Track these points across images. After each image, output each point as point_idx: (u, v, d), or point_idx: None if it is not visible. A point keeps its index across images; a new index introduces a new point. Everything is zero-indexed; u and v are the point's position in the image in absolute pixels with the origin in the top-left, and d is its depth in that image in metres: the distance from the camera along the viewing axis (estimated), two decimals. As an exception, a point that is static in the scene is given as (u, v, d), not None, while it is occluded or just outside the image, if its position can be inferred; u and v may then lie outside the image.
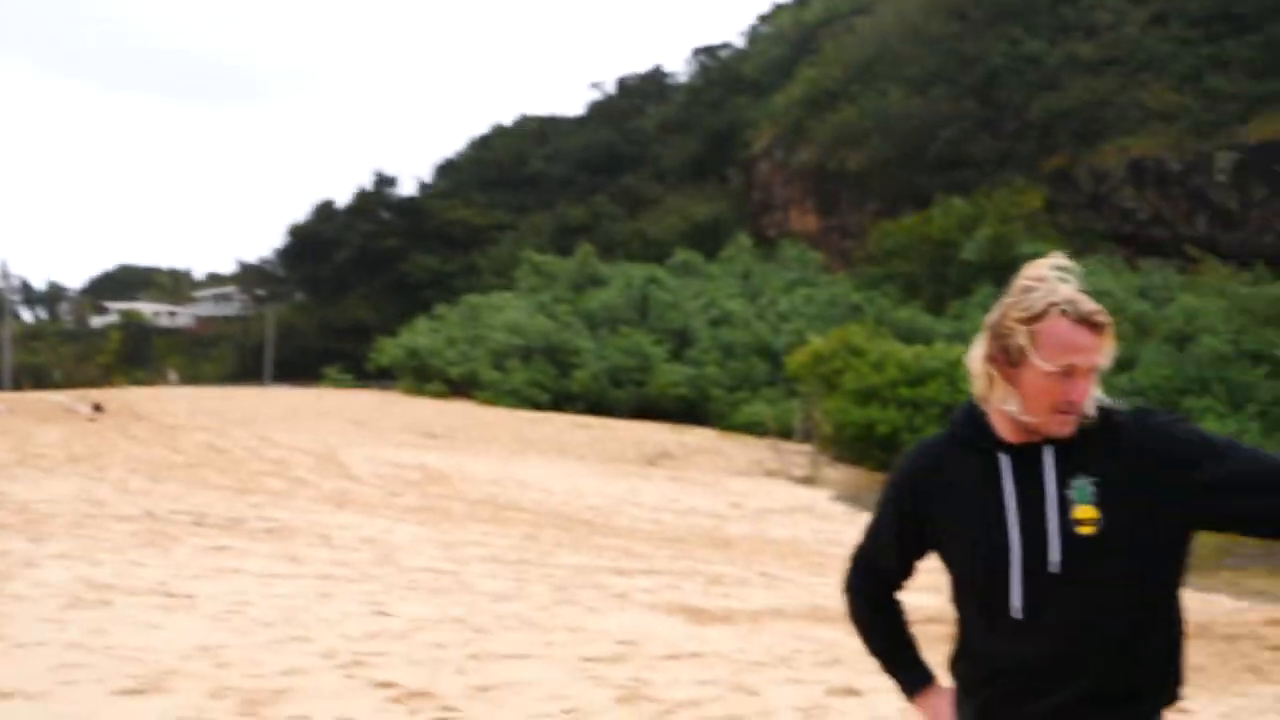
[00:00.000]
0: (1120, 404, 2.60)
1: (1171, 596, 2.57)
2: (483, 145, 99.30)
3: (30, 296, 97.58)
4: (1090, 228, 57.29)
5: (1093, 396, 2.51)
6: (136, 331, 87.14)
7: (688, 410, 46.47)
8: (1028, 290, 2.49)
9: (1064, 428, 2.50)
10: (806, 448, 35.32)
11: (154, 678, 6.76)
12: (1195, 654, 10.56)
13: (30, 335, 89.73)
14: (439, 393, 49.43)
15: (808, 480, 29.16)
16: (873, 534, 2.89)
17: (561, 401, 47.63)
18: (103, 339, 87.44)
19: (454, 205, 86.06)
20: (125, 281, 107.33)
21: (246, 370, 75.98)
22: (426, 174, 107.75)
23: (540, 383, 48.08)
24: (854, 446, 33.77)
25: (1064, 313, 2.45)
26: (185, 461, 21.61)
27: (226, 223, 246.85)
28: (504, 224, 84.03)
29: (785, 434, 38.62)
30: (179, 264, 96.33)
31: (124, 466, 19.82)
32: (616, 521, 18.39)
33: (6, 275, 76.33)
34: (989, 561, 2.57)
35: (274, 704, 6.17)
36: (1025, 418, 2.51)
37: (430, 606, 9.42)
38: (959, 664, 2.71)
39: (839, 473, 31.75)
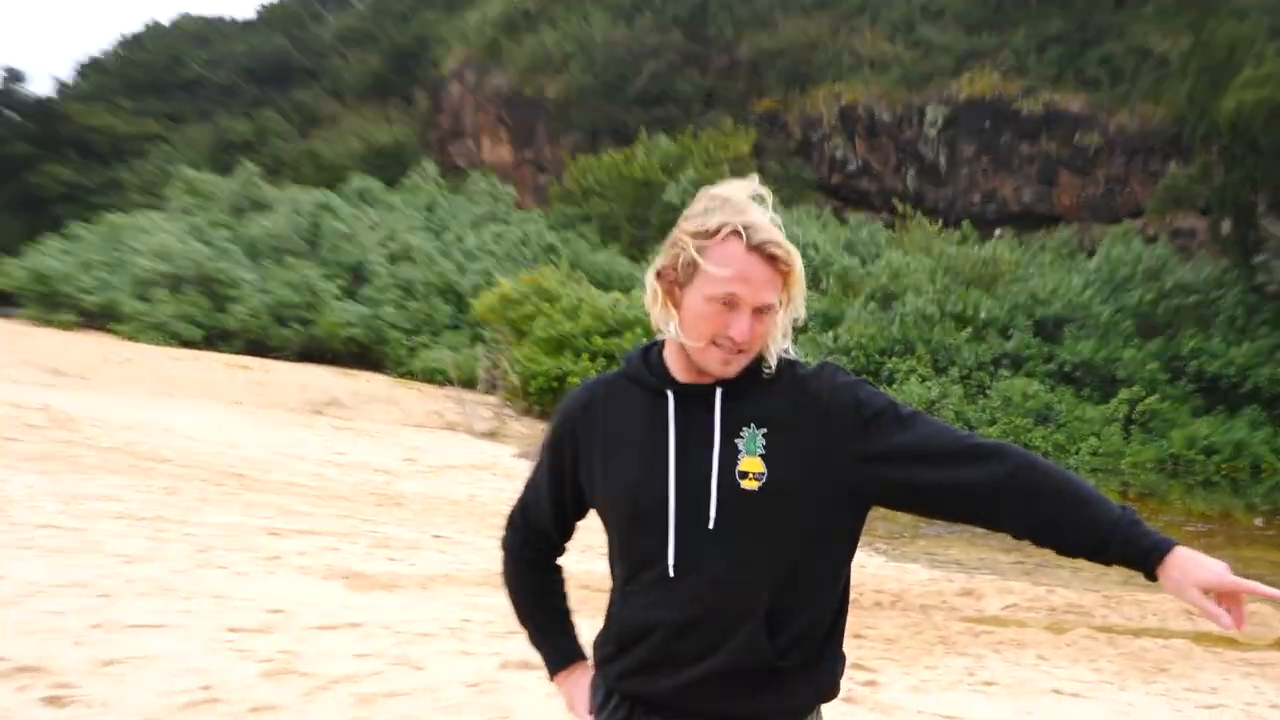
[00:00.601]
0: (806, 359, 2.62)
1: (835, 572, 2.58)
2: (134, 45, 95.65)
3: None
4: (799, 176, 59.73)
5: (775, 344, 2.52)
6: None
7: (361, 354, 46.47)
8: (710, 207, 2.46)
9: (726, 367, 2.48)
10: (491, 399, 35.72)
11: None
12: (888, 625, 11.23)
13: None
14: (70, 324, 47.62)
15: (491, 435, 29.60)
16: (531, 486, 2.83)
17: (216, 339, 46.87)
18: None
19: (96, 110, 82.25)
20: None
21: None
22: (66, 73, 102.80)
23: (192, 317, 47.11)
24: (543, 399, 34.18)
25: (737, 235, 2.41)
26: None
27: None
28: (154, 135, 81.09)
29: (469, 383, 38.96)
30: None
31: None
32: (273, 475, 18.27)
33: None
34: (644, 511, 2.54)
35: None
36: (684, 342, 2.49)
37: (48, 569, 9.14)
38: (601, 634, 2.68)
39: (526, 427, 32.19)
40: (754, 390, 2.52)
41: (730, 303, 2.42)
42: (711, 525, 2.47)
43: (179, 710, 5.93)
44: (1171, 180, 42.66)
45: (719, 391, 2.52)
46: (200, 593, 8.92)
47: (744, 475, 2.47)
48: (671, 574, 2.50)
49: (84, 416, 21.88)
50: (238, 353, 44.32)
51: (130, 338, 45.23)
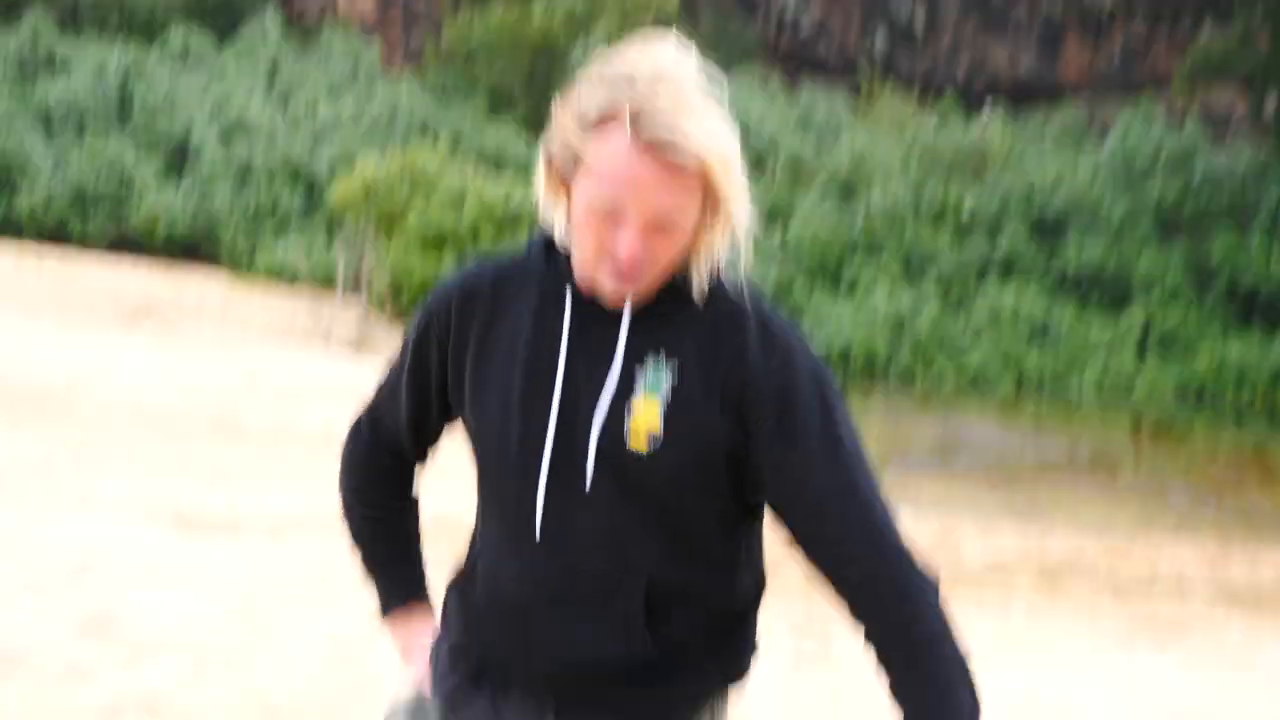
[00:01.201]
0: (750, 288, 2.45)
1: (742, 556, 2.54)
2: None
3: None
4: (740, 37, 59.62)
5: (700, 267, 2.38)
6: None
7: (189, 250, 46.99)
8: (596, 82, 2.28)
9: (615, 291, 2.35)
10: (353, 308, 36.17)
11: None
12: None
13: None
14: None
15: (355, 348, 30.01)
16: (384, 388, 2.75)
17: (3, 230, 47.27)
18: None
19: None
20: None
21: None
22: None
23: None
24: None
25: (621, 127, 2.22)
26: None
27: None
28: None
29: (328, 285, 39.41)
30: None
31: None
32: (82, 397, 18.51)
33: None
34: (513, 450, 2.46)
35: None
36: (575, 250, 2.38)
37: None
38: (455, 587, 2.66)
39: (396, 341, 32.26)
40: (678, 317, 2.40)
41: (613, 215, 2.26)
42: (588, 487, 2.40)
43: None
44: (1205, 46, 42.92)
45: (628, 305, 2.40)
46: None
47: (635, 430, 2.36)
48: (537, 537, 2.43)
49: None
50: (32, 248, 44.77)
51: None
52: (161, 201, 47.80)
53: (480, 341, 2.49)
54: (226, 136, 51.31)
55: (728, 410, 2.33)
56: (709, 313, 2.38)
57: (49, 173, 48.84)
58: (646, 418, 2.33)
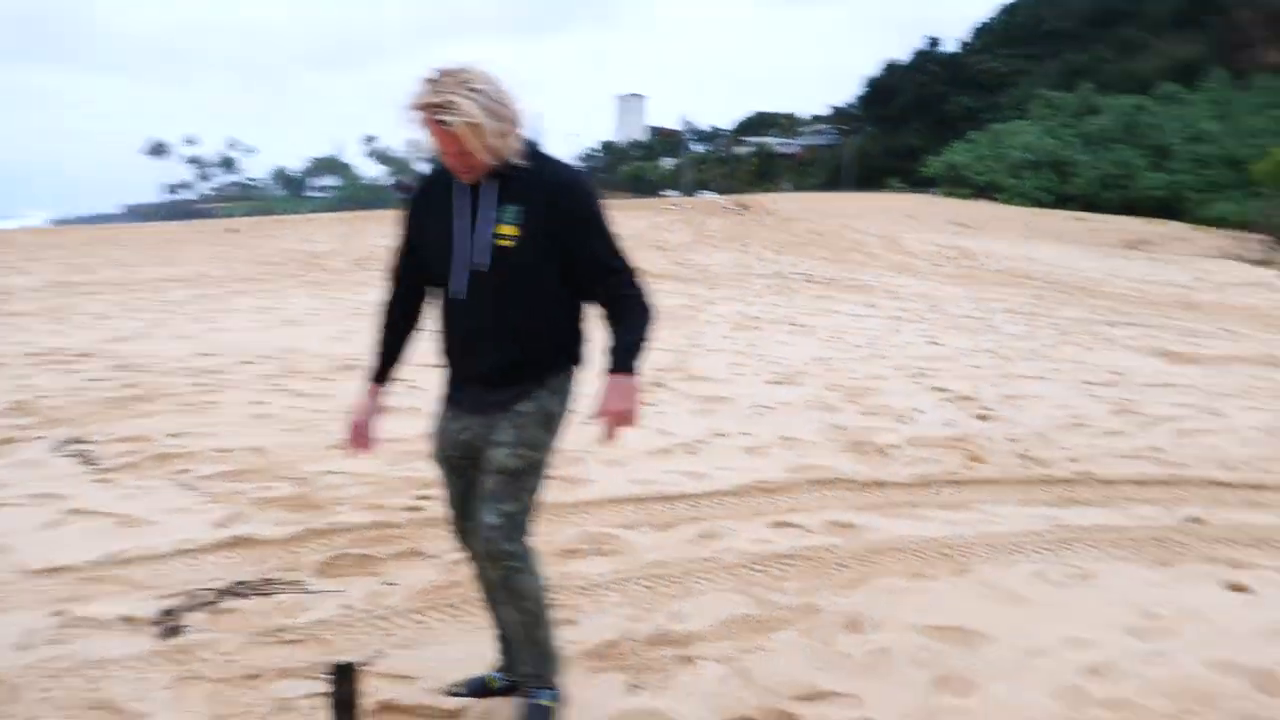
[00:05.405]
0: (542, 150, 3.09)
1: (560, 302, 3.12)
2: (1009, 11, 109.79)
3: (698, 135, 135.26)
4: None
5: (508, 152, 2.96)
6: (765, 157, 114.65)
7: (1163, 208, 53.25)
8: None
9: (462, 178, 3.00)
10: (1263, 238, 39.34)
11: (790, 375, 8.77)
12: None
13: (697, 161, 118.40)
14: (968, 195, 59.50)
15: (1264, 263, 30.29)
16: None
17: (1062, 201, 56.67)
18: (743, 162, 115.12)
19: (984, 59, 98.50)
20: (758, 123, 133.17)
21: (832, 183, 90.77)
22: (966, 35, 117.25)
23: (1045, 187, 58.49)
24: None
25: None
26: (797, 241, 25.81)
27: (819, 78, 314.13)
28: (1020, 71, 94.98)
29: (1245, 227, 43.25)
30: (792, 109, 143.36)
31: (760, 244, 24.39)
32: (1104, 288, 19.66)
33: (686, 122, 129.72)
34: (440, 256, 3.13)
35: (865, 396, 8.06)
36: None
37: (968, 341, 10.97)
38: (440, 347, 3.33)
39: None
40: (513, 177, 3.00)
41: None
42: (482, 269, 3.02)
43: (1057, 429, 7.03)
44: None
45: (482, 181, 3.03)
46: (1063, 359, 10.22)
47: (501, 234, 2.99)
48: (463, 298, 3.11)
49: (980, 251, 25.92)
50: (1076, 210, 52.88)
51: (1006, 202, 56.11)
52: (1149, 181, 55.70)
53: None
54: (1190, 142, 58.79)
55: (550, 217, 2.99)
56: (535, 169, 3.01)
57: (1087, 169, 58.47)
58: (508, 230, 2.97)
